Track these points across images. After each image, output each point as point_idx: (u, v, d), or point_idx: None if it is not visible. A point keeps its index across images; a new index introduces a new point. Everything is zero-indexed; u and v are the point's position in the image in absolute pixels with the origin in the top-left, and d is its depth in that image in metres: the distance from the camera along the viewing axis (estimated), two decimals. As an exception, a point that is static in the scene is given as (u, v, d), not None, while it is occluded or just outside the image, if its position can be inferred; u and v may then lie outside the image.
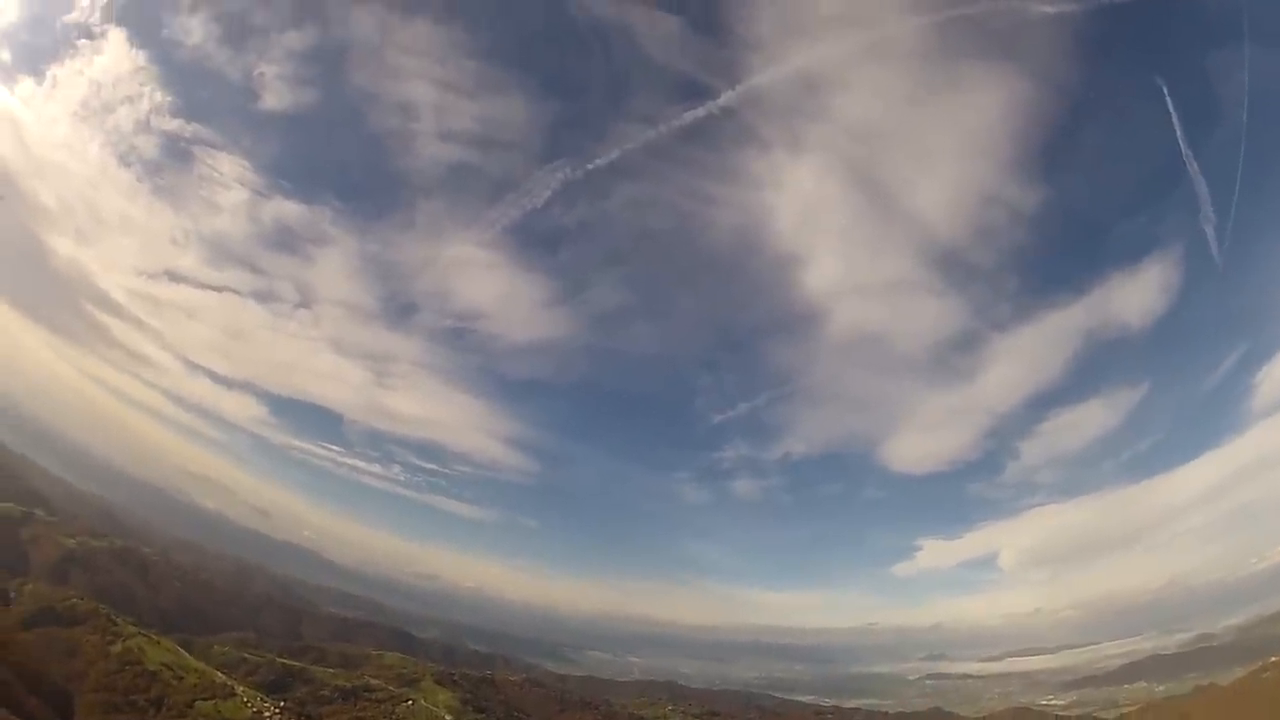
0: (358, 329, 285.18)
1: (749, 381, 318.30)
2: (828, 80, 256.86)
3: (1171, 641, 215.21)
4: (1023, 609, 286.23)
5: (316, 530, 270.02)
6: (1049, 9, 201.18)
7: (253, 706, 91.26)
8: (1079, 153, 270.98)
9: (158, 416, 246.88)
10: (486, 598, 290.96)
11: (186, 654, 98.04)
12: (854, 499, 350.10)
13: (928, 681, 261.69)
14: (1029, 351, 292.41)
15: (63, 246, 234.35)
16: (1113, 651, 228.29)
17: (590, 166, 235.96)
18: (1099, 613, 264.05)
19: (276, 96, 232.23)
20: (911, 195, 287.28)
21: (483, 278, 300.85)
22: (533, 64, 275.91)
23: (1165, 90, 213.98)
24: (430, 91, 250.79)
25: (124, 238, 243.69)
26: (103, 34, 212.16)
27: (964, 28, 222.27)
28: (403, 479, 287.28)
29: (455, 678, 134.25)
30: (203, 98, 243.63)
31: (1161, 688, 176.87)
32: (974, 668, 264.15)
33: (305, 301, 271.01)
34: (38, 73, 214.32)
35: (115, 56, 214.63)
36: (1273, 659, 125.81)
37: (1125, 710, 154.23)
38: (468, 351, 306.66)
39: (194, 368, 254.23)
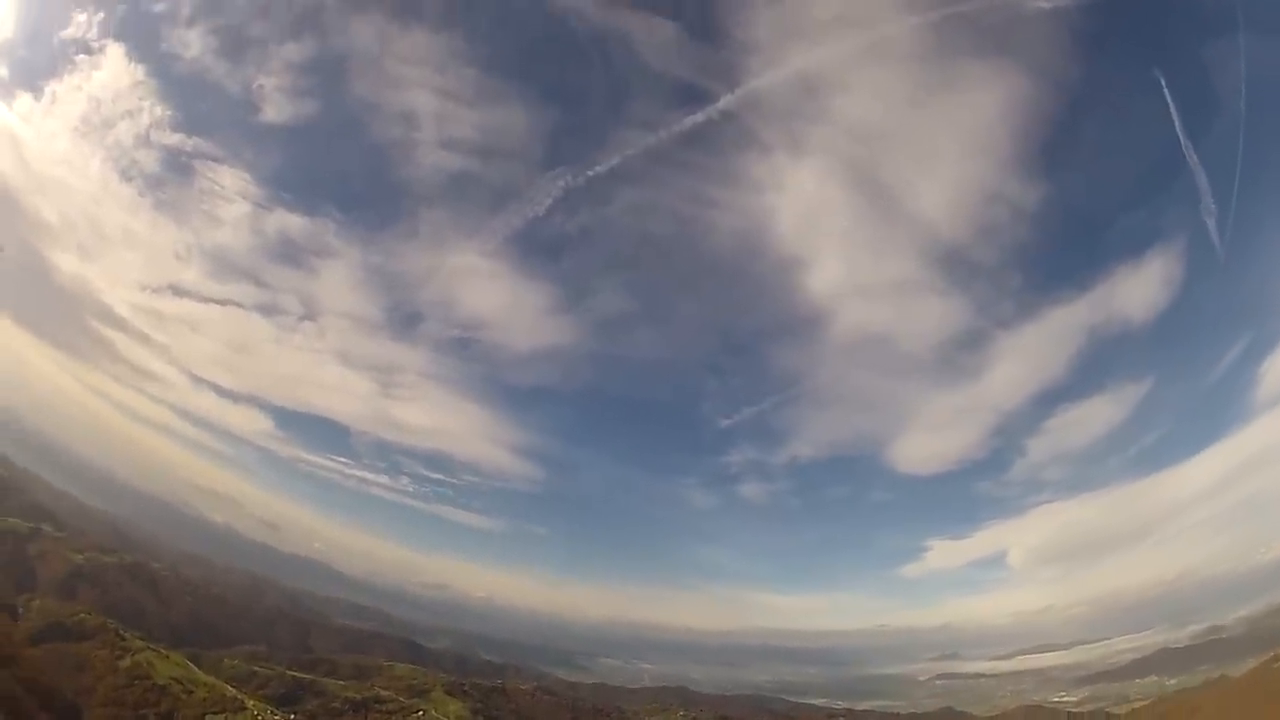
0: (362, 340, 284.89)
1: (754, 385, 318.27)
2: (826, 82, 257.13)
3: (1182, 635, 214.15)
4: (1032, 607, 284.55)
5: (325, 542, 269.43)
6: (1045, 4, 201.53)
7: None
8: (1079, 148, 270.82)
9: (164, 431, 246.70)
10: (496, 607, 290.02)
11: (196, 668, 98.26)
12: (861, 501, 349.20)
13: (939, 682, 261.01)
14: (1033, 348, 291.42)
15: (66, 262, 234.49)
16: (1124, 646, 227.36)
17: (591, 173, 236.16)
18: (1109, 608, 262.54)
19: (276, 108, 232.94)
20: (913, 195, 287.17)
21: (486, 286, 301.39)
22: (532, 72, 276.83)
23: (1163, 82, 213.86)
24: (430, 101, 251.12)
25: (127, 252, 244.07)
26: (101, 49, 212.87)
27: (961, 26, 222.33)
28: (411, 489, 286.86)
29: (466, 688, 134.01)
30: (203, 111, 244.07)
31: (1173, 681, 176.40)
32: (985, 667, 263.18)
33: (309, 314, 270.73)
34: (36, 89, 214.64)
35: (114, 71, 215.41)
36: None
37: (1137, 705, 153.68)
38: (473, 361, 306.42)
39: (199, 381, 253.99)
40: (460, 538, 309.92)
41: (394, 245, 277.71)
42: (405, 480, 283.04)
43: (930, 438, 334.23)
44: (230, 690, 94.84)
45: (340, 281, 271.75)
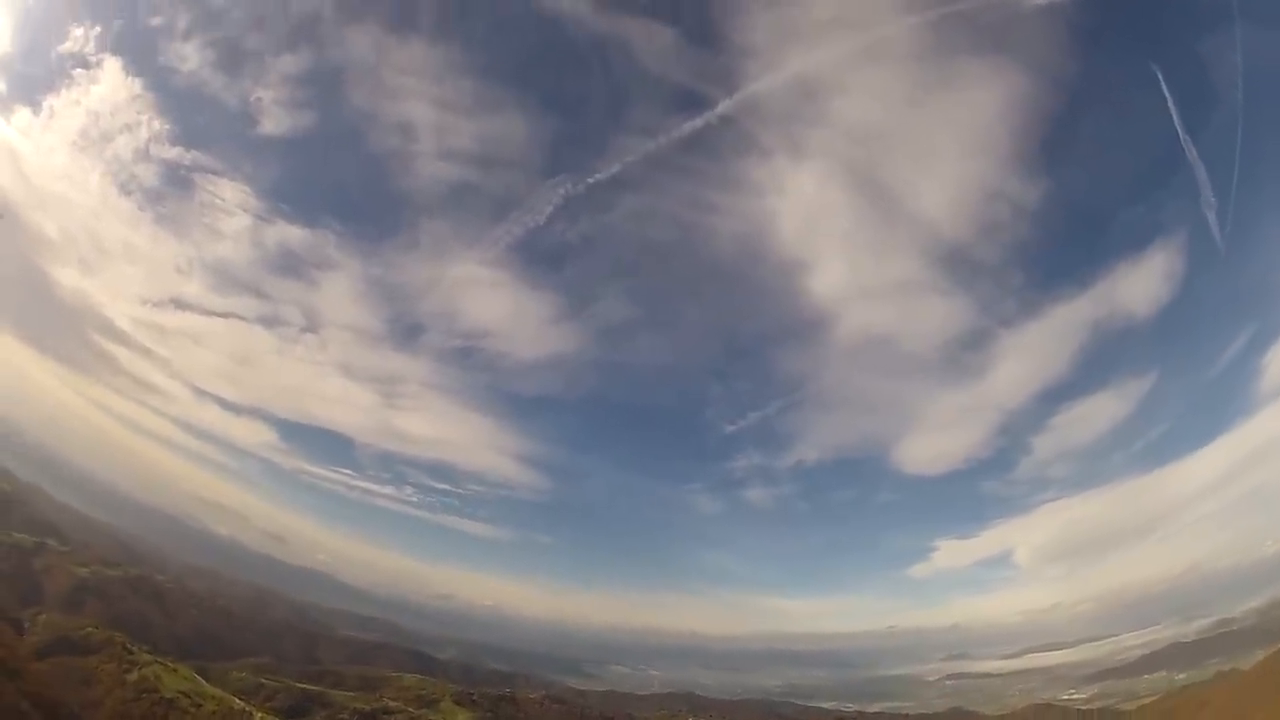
0: (365, 351, 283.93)
1: (759, 390, 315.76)
2: (825, 84, 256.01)
3: (1190, 629, 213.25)
4: (1040, 604, 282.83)
5: (331, 554, 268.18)
6: (1041, 0, 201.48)
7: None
8: (1078, 144, 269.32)
9: (168, 444, 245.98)
10: (503, 615, 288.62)
11: (203, 681, 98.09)
12: (868, 503, 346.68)
13: (948, 682, 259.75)
14: (1037, 346, 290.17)
15: (67, 277, 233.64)
16: (1132, 642, 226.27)
17: (591, 181, 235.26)
18: (1117, 604, 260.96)
19: (274, 121, 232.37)
20: (913, 195, 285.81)
21: (488, 296, 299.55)
22: (530, 80, 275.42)
23: (1160, 76, 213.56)
24: (428, 111, 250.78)
25: (128, 266, 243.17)
26: (98, 63, 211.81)
27: (957, 24, 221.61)
28: (415, 500, 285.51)
29: (474, 697, 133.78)
30: (201, 124, 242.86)
31: (1182, 675, 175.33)
32: (994, 666, 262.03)
33: (311, 325, 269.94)
34: (35, 103, 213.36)
35: (112, 85, 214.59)
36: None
37: (1146, 700, 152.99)
38: (476, 370, 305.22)
39: (202, 394, 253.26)
40: (466, 547, 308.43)
41: (395, 256, 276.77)
42: (410, 491, 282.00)
43: (936, 438, 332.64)
44: (238, 703, 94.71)
45: (342, 293, 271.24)
